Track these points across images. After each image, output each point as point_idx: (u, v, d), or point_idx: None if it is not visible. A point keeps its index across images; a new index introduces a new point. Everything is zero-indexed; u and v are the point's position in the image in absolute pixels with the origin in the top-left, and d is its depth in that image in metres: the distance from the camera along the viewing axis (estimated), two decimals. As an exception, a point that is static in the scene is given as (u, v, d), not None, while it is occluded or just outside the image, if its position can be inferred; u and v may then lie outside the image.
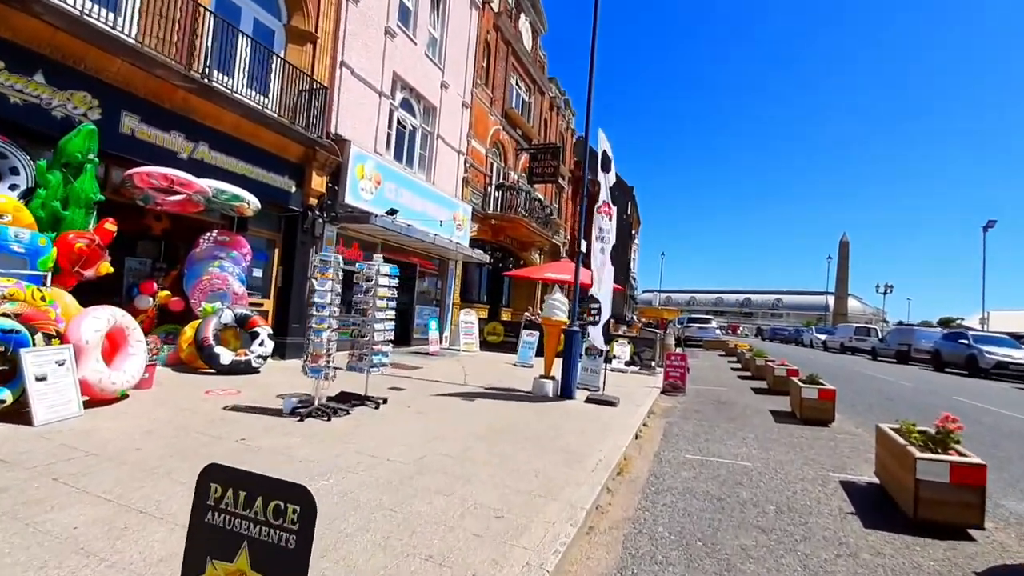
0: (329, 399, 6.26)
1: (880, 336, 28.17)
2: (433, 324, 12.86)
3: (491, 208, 17.62)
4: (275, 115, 9.02)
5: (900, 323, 43.59)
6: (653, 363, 13.96)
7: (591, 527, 3.59)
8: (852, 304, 71.01)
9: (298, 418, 5.48)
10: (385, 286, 6.54)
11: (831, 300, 67.42)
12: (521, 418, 6.52)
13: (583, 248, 8.11)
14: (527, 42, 20.47)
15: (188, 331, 7.96)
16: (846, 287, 65.32)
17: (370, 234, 11.83)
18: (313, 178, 9.97)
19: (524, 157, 20.31)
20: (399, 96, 12.92)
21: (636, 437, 6.50)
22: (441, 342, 15.18)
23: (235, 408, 5.78)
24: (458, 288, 16.23)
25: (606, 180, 8.16)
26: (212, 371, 7.74)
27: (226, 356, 7.75)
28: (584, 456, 4.98)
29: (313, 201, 10.12)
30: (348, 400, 6.40)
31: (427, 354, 12.41)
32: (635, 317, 50.15)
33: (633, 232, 49.31)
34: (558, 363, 8.53)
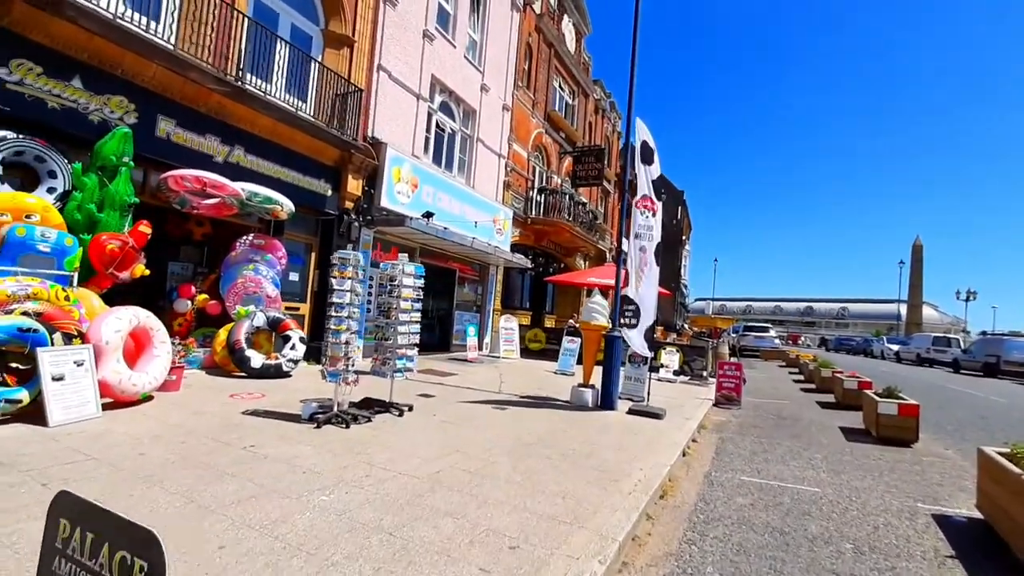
0: (352, 405, 5.97)
1: (963, 347, 25.60)
2: (471, 330, 12.53)
3: (533, 212, 17.22)
4: (311, 118, 8.98)
5: (985, 333, 39.68)
6: (705, 373, 13.06)
7: (624, 563, 3.04)
8: (927, 312, 65.64)
9: (315, 424, 5.20)
10: (410, 287, 6.21)
11: (903, 308, 62.50)
12: (554, 430, 6.00)
13: (624, 247, 7.53)
14: (570, 44, 20.04)
15: (222, 334, 7.94)
16: (920, 294, 60.35)
17: (407, 238, 11.66)
18: (349, 181, 9.88)
19: (568, 161, 19.81)
20: (438, 99, 12.77)
21: (684, 454, 5.84)
22: (481, 348, 14.85)
23: (254, 412, 5.58)
24: (499, 294, 15.87)
25: (647, 173, 7.56)
26: (243, 375, 7.67)
27: (257, 359, 7.66)
28: (621, 475, 4.41)
29: (349, 204, 10.03)
30: (371, 406, 6.09)
31: (465, 360, 12.06)
32: (686, 325, 48.34)
33: (684, 238, 47.57)
34: (598, 371, 7.94)
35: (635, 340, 7.49)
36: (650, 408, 7.53)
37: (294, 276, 9.57)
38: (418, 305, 6.38)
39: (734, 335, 30.01)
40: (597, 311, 7.93)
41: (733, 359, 14.72)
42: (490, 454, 4.75)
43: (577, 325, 17.68)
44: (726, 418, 8.59)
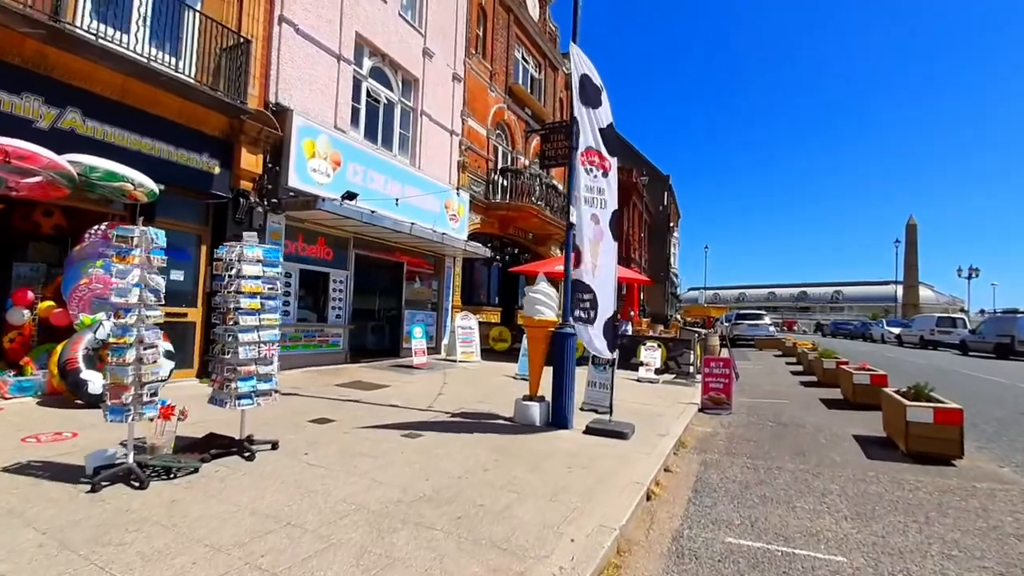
0: (187, 447, 4.23)
1: (970, 327, 24.08)
2: (418, 331, 10.75)
3: (496, 197, 15.44)
4: (178, 75, 7.15)
5: (984, 311, 38.22)
6: (692, 369, 11.36)
7: None
8: (924, 293, 64.36)
9: (91, 488, 3.44)
10: (255, 278, 4.43)
11: (899, 290, 61.28)
12: (471, 469, 4.27)
13: (572, 217, 5.79)
14: (533, 10, 18.25)
15: (58, 350, 6.14)
16: (916, 274, 59.03)
17: (335, 226, 9.87)
18: (244, 156, 8.07)
19: (535, 140, 18.03)
20: (367, 63, 10.95)
21: (648, 497, 4.12)
22: (439, 351, 13.09)
23: (25, 466, 3.81)
24: (458, 289, 14.09)
25: (592, 118, 5.80)
26: (82, 403, 5.88)
27: (97, 383, 5.85)
28: (535, 558, 2.70)
29: (246, 185, 8.22)
30: (210, 446, 4.33)
31: (410, 367, 10.30)
32: (677, 316, 46.78)
33: (672, 225, 45.92)
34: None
35: (593, 338, 5.74)
36: (612, 426, 5.80)
37: (178, 275, 7.75)
38: (275, 303, 4.59)
39: (726, 324, 28.40)
40: (542, 302, 6.19)
41: (724, 351, 13.04)
42: (340, 526, 3.03)
43: None
44: (713, 428, 6.88)
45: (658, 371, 10.77)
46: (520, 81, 17.23)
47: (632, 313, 19.68)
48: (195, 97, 7.42)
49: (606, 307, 5.78)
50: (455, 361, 11.75)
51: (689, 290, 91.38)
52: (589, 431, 5.76)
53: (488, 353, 13.42)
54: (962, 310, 52.28)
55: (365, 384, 8.30)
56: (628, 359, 11.52)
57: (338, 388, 7.89)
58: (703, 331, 16.85)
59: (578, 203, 5.64)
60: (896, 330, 30.78)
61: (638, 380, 10.47)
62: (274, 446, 4.63)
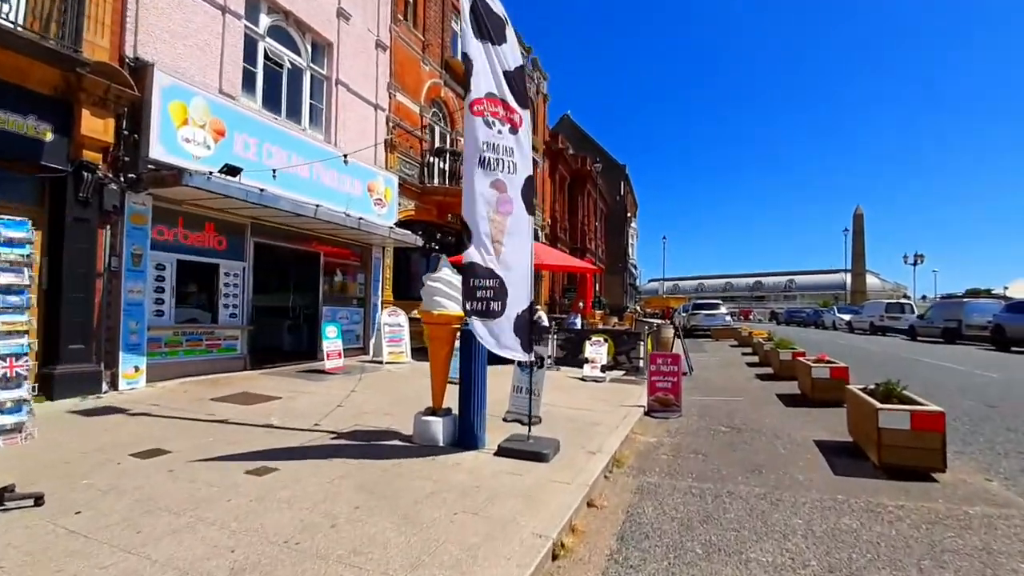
0: None
1: (918, 312, 24.33)
2: (331, 331, 9.35)
3: (435, 180, 14.11)
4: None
5: (925, 297, 39.50)
6: (642, 365, 10.40)
7: None
8: (870, 280, 66.58)
9: None
10: (-23, 262, 3.03)
11: (847, 278, 63.16)
12: (310, 526, 3.03)
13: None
14: (474, -19, 16.92)
15: None
16: (863, 263, 60.94)
17: (227, 210, 8.37)
18: (85, 120, 6.51)
19: (479, 121, 16.76)
20: (265, 21, 9.43)
21: (553, 556, 2.99)
22: (368, 352, 11.72)
23: None
24: (389, 282, 12.73)
25: (495, 57, 4.62)
26: None
27: None
28: None
29: (92, 156, 6.65)
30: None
31: (322, 372, 8.92)
32: (637, 307, 46.52)
33: (629, 215, 45.49)
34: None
35: (498, 336, 4.56)
36: (531, 445, 4.66)
37: None
38: (21, 300, 3.21)
39: (684, 314, 27.97)
40: (443, 293, 4.98)
41: (679, 343, 12.19)
42: None
43: None
44: (657, 437, 5.85)
45: (605, 368, 9.76)
46: (459, 55, 15.84)
47: (582, 305, 18.76)
48: (11, 43, 5.83)
49: (518, 297, 4.61)
50: (381, 363, 10.42)
51: (650, 281, 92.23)
52: (502, 452, 4.61)
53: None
54: (905, 296, 54.20)
55: (251, 397, 6.91)
56: (577, 355, 10.52)
57: (212, 404, 6.47)
58: (657, 322, 16.06)
59: (470, 165, 4.44)
60: (847, 317, 31.13)
61: (582, 379, 9.43)
62: (38, 501, 3.26)
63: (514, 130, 4.61)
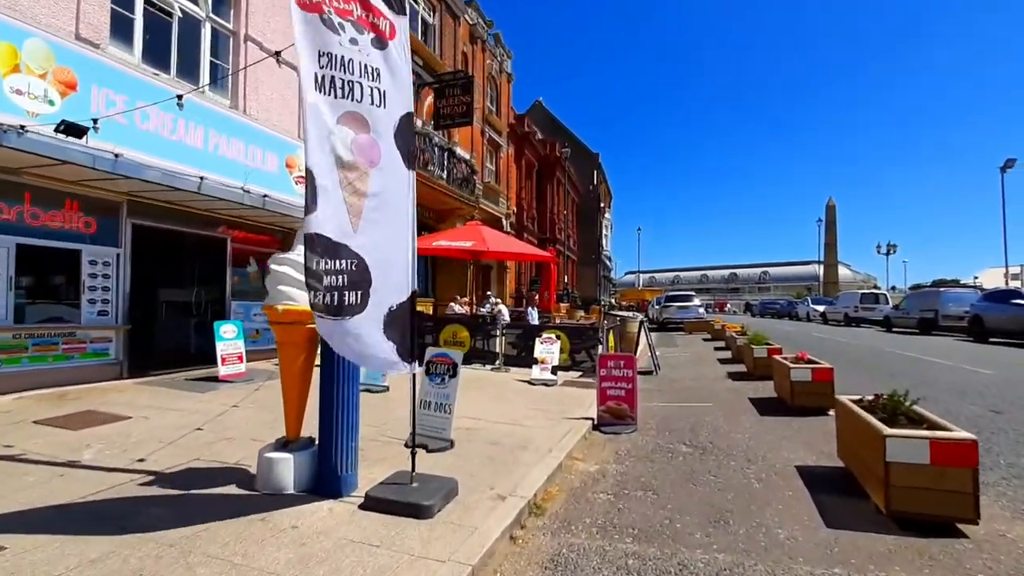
0: None
1: (892, 303, 23.77)
2: (227, 330, 7.83)
3: None
4: None
5: (895, 288, 39.51)
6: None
7: None
8: (842, 272, 67.02)
9: None
10: None
11: (820, 269, 63.40)
12: None
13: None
14: (424, -58, 15.37)
15: None
16: (835, 254, 61.17)
17: (88, 183, 6.81)
18: None
19: (429, 99, 15.28)
20: (145, -43, 7.83)
21: None
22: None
23: None
24: (319, 273, 11.24)
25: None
26: None
27: None
28: None
29: None
30: None
31: (215, 380, 7.44)
32: (612, 299, 45.64)
33: (603, 205, 44.39)
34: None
35: (360, 338, 3.19)
36: (411, 492, 3.33)
37: None
38: None
39: (656, 307, 27.02)
40: (291, 280, 3.60)
41: (644, 339, 11.01)
42: None
43: (458, 308, 13.47)
44: (600, 464, 4.59)
45: (558, 369, 8.49)
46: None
47: (547, 296, 17.52)
48: None
49: (390, 285, 3.26)
50: (301, 366, 8.97)
51: (626, 274, 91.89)
52: (369, 503, 3.28)
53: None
54: (876, 287, 54.56)
55: (93, 417, 5.42)
56: (532, 354, 9.24)
57: (32, 428, 4.99)
58: (623, 315, 14.90)
59: (306, 86, 3.06)
60: (821, 308, 30.59)
61: (530, 383, 8.15)
62: None
63: (380, 43, 3.24)
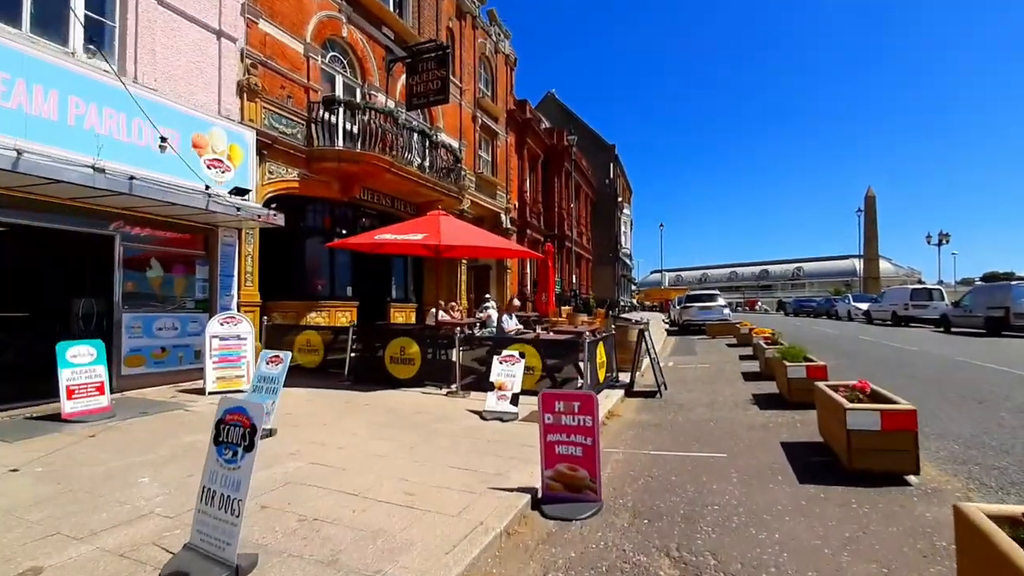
0: None
1: (950, 299, 20.81)
2: (77, 353, 5.93)
3: (339, 142, 10.72)
4: None
5: (942, 282, 35.64)
6: (580, 382, 7.00)
7: None
8: (883, 266, 62.56)
9: None
10: None
11: (859, 263, 59.18)
12: None
13: None
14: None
15: None
16: (876, 247, 56.91)
17: None
18: None
19: (402, 79, 13.39)
20: None
21: None
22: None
23: None
24: (253, 276, 9.40)
25: None
26: None
27: None
28: None
29: None
30: None
31: (56, 419, 5.61)
32: (634, 299, 43.11)
33: (620, 200, 41.88)
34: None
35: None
36: None
37: None
38: None
39: (676, 307, 24.55)
40: None
41: (650, 351, 8.77)
42: None
43: (441, 318, 11.57)
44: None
45: (515, 399, 6.38)
46: (371, -15, 12.47)
47: (545, 298, 15.42)
48: None
49: None
50: (203, 394, 7.15)
51: (652, 272, 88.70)
52: None
53: (293, 371, 8.87)
54: (919, 281, 50.39)
55: None
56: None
57: None
58: (628, 319, 12.68)
59: None
60: (864, 306, 27.56)
61: (482, 416, 6.12)
62: None
63: None
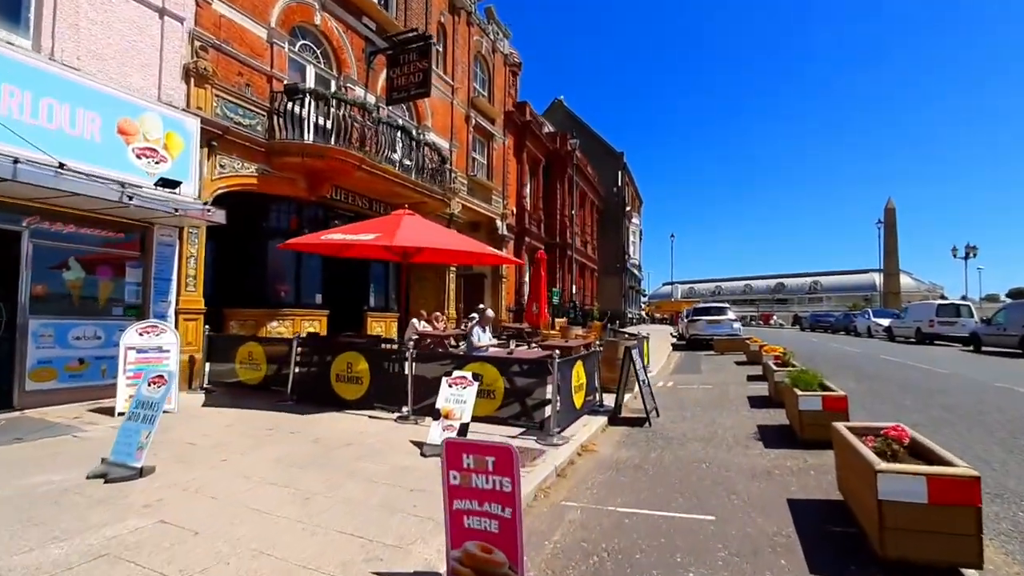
0: None
1: (979, 316, 19.29)
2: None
3: (308, 136, 9.80)
4: None
5: (965, 298, 33.73)
6: (548, 417, 5.86)
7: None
8: (904, 281, 60.32)
9: None
10: None
11: (879, 278, 57.05)
12: None
13: None
14: None
15: None
16: (896, 261, 54.79)
17: None
18: None
19: (383, 74, 12.51)
20: None
21: None
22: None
23: None
24: (195, 280, 8.45)
25: None
26: None
27: None
28: None
29: None
30: None
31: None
32: (644, 312, 41.82)
33: (629, 209, 40.65)
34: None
35: None
36: None
37: None
38: None
39: (684, 320, 23.26)
40: None
41: (641, 372, 7.62)
42: None
43: (422, 329, 10.58)
44: None
45: (463, 429, 5.28)
46: (348, -29, 11.62)
47: (536, 309, 14.34)
48: None
49: None
50: (112, 415, 6.17)
51: (664, 284, 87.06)
52: None
53: (234, 389, 7.89)
54: (942, 296, 48.27)
55: None
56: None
57: None
58: (630, 334, 11.54)
59: None
60: (885, 322, 25.94)
61: (422, 452, 5.04)
62: None
63: None
